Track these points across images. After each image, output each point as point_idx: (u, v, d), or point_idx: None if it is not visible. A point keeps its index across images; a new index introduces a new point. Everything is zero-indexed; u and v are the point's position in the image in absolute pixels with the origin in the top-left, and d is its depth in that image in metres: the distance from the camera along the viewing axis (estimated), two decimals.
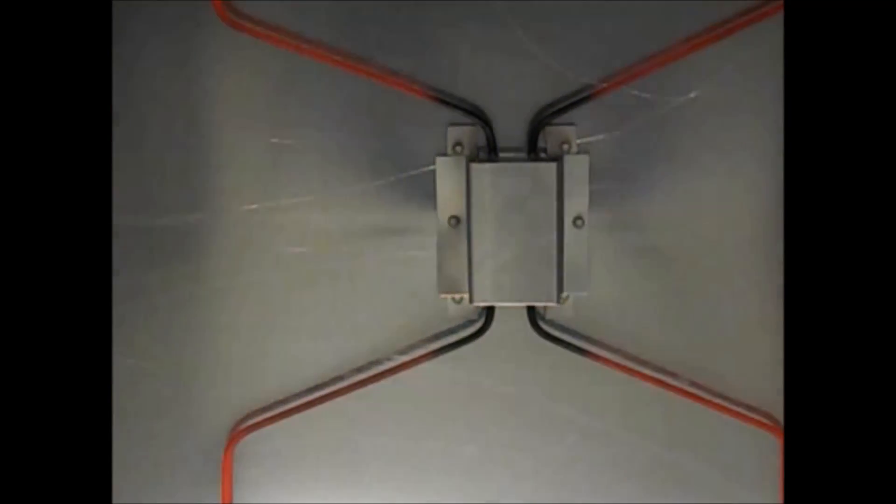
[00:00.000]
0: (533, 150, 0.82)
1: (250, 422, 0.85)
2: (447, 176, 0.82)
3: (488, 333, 0.85)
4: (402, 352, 0.86)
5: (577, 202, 0.82)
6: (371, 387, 0.85)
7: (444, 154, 0.83)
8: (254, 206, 0.84)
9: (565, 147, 0.82)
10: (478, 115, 0.82)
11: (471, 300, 0.82)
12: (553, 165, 0.80)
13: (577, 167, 0.81)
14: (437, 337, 0.86)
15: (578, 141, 0.83)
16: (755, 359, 0.87)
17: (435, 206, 0.82)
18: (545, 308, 0.84)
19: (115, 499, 0.87)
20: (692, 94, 0.83)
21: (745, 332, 0.87)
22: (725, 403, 0.85)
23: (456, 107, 0.82)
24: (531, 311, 0.84)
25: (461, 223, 0.82)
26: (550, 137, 0.83)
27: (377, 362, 0.86)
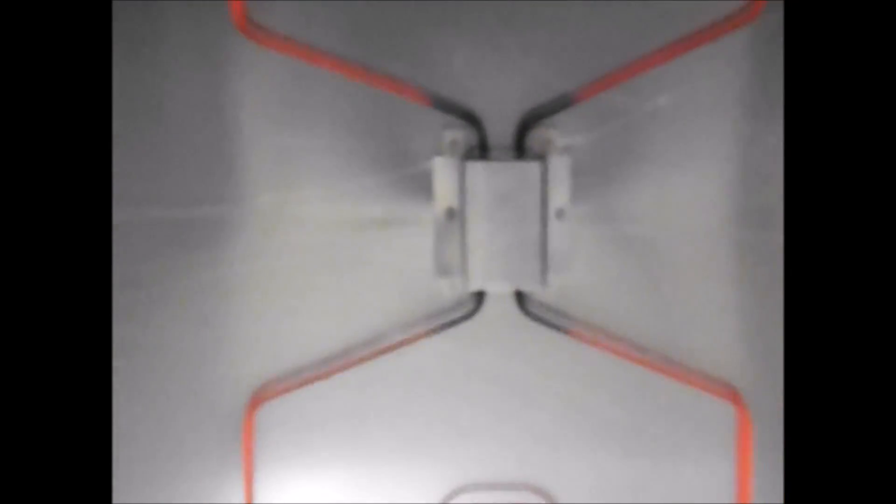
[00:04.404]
0: (520, 150, 0.83)
1: (270, 390, 0.87)
2: (443, 173, 0.83)
3: (479, 314, 0.86)
4: (402, 330, 0.87)
5: (559, 197, 0.82)
6: (374, 360, 0.87)
7: (440, 153, 0.84)
8: (269, 200, 0.86)
9: (549, 147, 0.84)
10: (470, 119, 0.83)
11: (464, 284, 0.84)
12: (538, 164, 0.81)
13: (559, 166, 0.82)
14: (433, 317, 0.87)
15: (561, 142, 0.84)
16: (717, 336, 0.88)
17: (432, 200, 0.83)
18: (531, 291, 0.85)
19: (154, 451, 0.91)
20: (663, 101, 0.84)
21: (708, 312, 0.88)
22: (690, 375, 0.86)
23: (451, 111, 0.83)
24: (518, 294, 0.85)
25: (455, 215, 0.82)
26: (536, 139, 0.83)
27: (380, 339, 0.87)
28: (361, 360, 0.85)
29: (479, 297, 0.84)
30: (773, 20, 0.81)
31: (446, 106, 0.82)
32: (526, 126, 0.82)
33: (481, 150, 0.82)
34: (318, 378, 0.85)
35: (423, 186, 0.83)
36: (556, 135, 0.83)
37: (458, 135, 0.83)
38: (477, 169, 0.80)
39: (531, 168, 0.80)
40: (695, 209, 0.85)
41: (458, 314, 0.85)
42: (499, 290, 0.85)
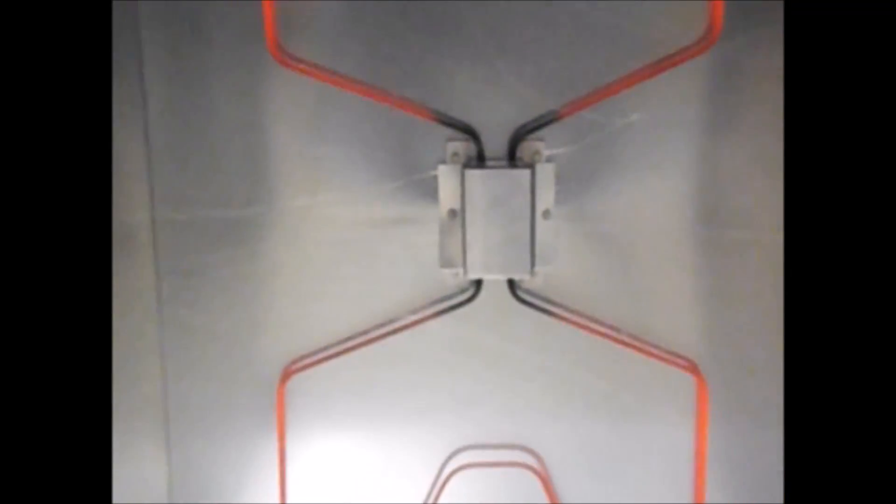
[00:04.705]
0: (512, 159, 0.90)
1: (299, 364, 0.95)
2: (446, 179, 0.90)
3: (477, 299, 0.94)
4: (412, 313, 0.94)
5: (545, 199, 0.90)
6: (388, 339, 0.94)
7: (444, 162, 0.91)
8: (299, 202, 0.93)
9: (536, 157, 0.91)
10: (470, 133, 0.90)
11: (465, 274, 0.91)
12: (527, 171, 0.89)
13: (545, 173, 0.90)
14: (438, 302, 0.95)
15: (546, 152, 0.91)
16: (679, 317, 0.96)
17: (437, 203, 0.91)
18: (521, 279, 0.93)
19: (203, 414, 0.98)
20: (633, 117, 0.91)
21: (672, 297, 0.96)
22: (656, 351, 0.94)
23: (453, 126, 0.90)
24: (510, 282, 0.93)
25: (457, 215, 0.90)
26: (525, 150, 0.91)
27: (393, 321, 0.95)
28: (376, 339, 0.93)
29: (478, 284, 0.92)
30: (727, 49, 0.88)
31: (449, 122, 0.90)
32: (517, 139, 0.89)
33: (479, 159, 0.89)
34: (340, 354, 0.94)
35: (429, 191, 0.91)
36: (543, 146, 0.91)
37: (459, 146, 0.90)
38: (475, 175, 0.88)
39: (522, 175, 0.88)
40: (661, 210, 0.92)
41: (459, 299, 0.93)
42: (494, 279, 0.92)
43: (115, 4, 0.89)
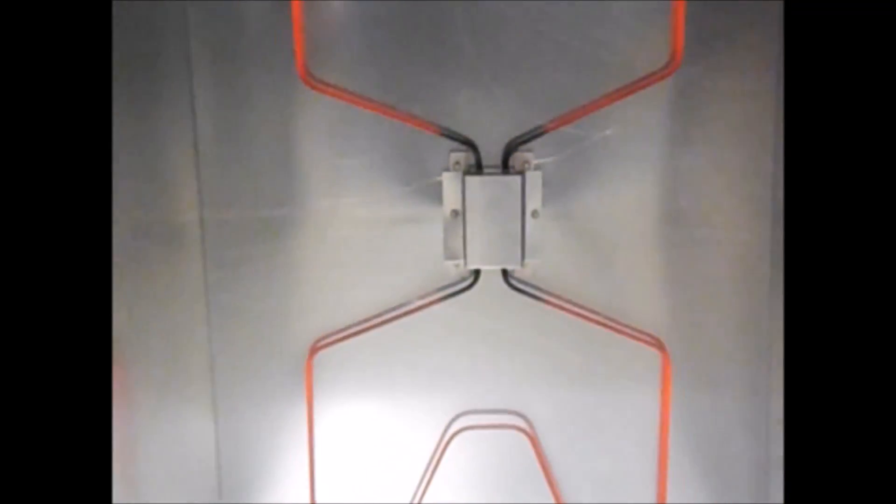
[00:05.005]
0: (505, 168, 1.00)
1: (324, 341, 1.05)
2: (449, 184, 1.00)
3: (476, 286, 1.03)
4: (420, 298, 1.04)
5: (533, 201, 1.00)
6: (400, 320, 1.03)
7: (448, 170, 1.00)
8: (324, 204, 1.03)
9: (526, 165, 1.00)
10: (469, 145, 1.00)
11: (465, 265, 1.01)
12: (518, 178, 0.98)
13: (533, 179, 0.99)
14: (442, 289, 1.04)
15: (535, 161, 1.00)
16: (647, 301, 1.05)
17: (441, 204, 1.00)
18: (513, 270, 1.02)
19: (244, 383, 1.05)
20: (608, 132, 1.00)
21: (640, 284, 1.05)
22: (627, 330, 1.04)
23: (455, 139, 1.00)
24: (504, 272, 1.02)
25: (459, 215, 1.00)
26: (516, 159, 1.00)
27: (404, 304, 1.04)
28: (390, 320, 1.03)
29: (476, 274, 1.02)
30: (688, 73, 0.98)
31: (451, 135, 1.00)
32: (509, 150, 1.00)
33: (477, 167, 0.99)
34: (358, 333, 1.04)
35: (434, 194, 1.01)
36: (532, 156, 1.00)
37: (460, 156, 1.00)
38: (474, 181, 0.98)
39: (513, 181, 0.98)
40: (631, 211, 1.02)
41: (460, 287, 1.03)
42: (490, 269, 1.02)
43: (169, 39, 0.98)
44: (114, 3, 0.81)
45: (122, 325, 0.91)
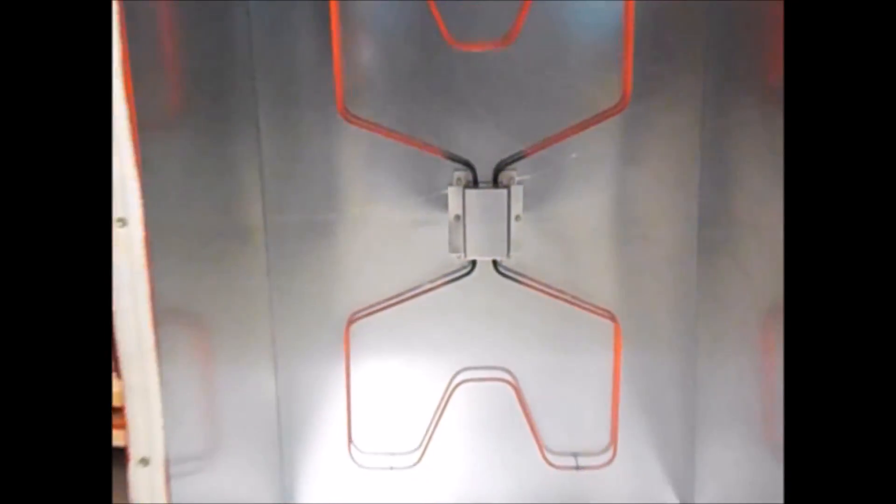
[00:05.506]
0: (495, 183, 1.19)
1: (358, 315, 1.26)
2: (453, 195, 1.20)
3: (473, 273, 1.23)
4: (431, 282, 1.25)
5: (516, 208, 1.19)
6: (416, 298, 1.24)
7: (452, 184, 1.19)
8: (359, 210, 1.24)
9: (511, 181, 1.20)
10: (468, 165, 1.20)
11: (465, 256, 1.21)
12: (505, 191, 1.18)
13: (517, 192, 1.19)
14: (448, 274, 1.24)
15: (517, 178, 1.20)
16: (603, 284, 1.26)
17: (447, 210, 1.19)
18: (501, 260, 1.22)
19: (297, 346, 1.20)
20: (573, 155, 1.21)
21: (598, 271, 1.25)
22: (587, 305, 1.25)
23: (457, 161, 1.20)
24: (494, 262, 1.23)
25: (460, 219, 1.19)
26: (504, 176, 1.20)
27: (419, 286, 1.25)
28: (407, 299, 1.25)
29: (473, 263, 1.24)
30: (637, 109, 1.17)
31: (454, 158, 1.20)
32: (498, 169, 1.21)
33: (474, 183, 1.20)
34: (383, 308, 1.26)
35: (442, 203, 1.22)
36: (516, 174, 1.20)
37: (461, 174, 1.21)
38: (472, 193, 1.19)
39: (501, 193, 1.19)
40: (592, 215, 1.24)
41: (461, 273, 1.24)
42: (483, 260, 1.22)
43: (239, 82, 1.17)
44: (194, 54, 0.98)
45: (206, 303, 1.09)
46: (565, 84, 1.18)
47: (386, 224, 1.24)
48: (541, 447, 1.29)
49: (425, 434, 1.30)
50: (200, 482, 1.03)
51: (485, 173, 1.20)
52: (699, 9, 1.17)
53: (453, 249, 1.21)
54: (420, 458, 1.31)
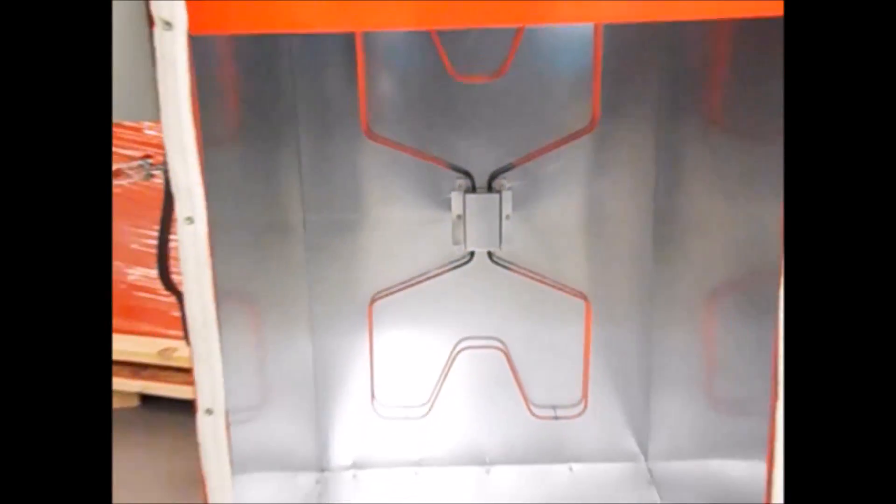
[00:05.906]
0: (489, 189, 1.41)
1: (380, 295, 1.46)
2: (455, 199, 1.40)
3: (472, 261, 1.44)
4: (438, 268, 1.46)
5: (507, 209, 1.40)
6: (426, 281, 1.44)
7: (455, 190, 1.39)
8: (380, 211, 1.44)
9: (502, 187, 1.40)
10: (467, 174, 1.41)
11: (465, 248, 1.41)
12: (497, 195, 1.39)
13: (507, 196, 1.39)
14: (451, 262, 1.45)
15: (508, 185, 1.40)
16: (576, 269, 1.46)
17: (451, 211, 1.39)
18: (494, 251, 1.42)
19: (330, 321, 1.37)
20: (552, 167, 1.43)
21: (572, 259, 1.46)
22: (563, 287, 1.47)
23: (459, 171, 1.41)
24: (489, 253, 1.43)
25: (461, 218, 1.40)
26: (497, 184, 1.41)
27: (427, 272, 1.46)
28: (419, 282, 1.47)
29: (472, 254, 1.45)
30: (604, 128, 1.38)
31: (457, 169, 1.41)
32: (492, 178, 1.42)
33: (472, 189, 1.43)
34: (400, 290, 1.48)
35: (447, 205, 1.41)
36: (506, 182, 1.41)
37: (462, 182, 1.42)
38: (471, 197, 1.40)
39: (494, 197, 1.40)
40: (567, 214, 1.45)
41: (462, 262, 1.45)
42: (480, 251, 1.42)
43: (283, 107, 1.35)
44: (248, 85, 1.14)
45: (257, 285, 1.25)
46: (545, 109, 1.40)
47: (401, 222, 1.45)
48: (526, 401, 1.53)
49: (433, 391, 1.51)
50: (253, 428, 1.15)
51: (481, 181, 1.41)
52: (653, 49, 1.37)
53: (455, 242, 1.41)
54: (429, 411, 1.53)
